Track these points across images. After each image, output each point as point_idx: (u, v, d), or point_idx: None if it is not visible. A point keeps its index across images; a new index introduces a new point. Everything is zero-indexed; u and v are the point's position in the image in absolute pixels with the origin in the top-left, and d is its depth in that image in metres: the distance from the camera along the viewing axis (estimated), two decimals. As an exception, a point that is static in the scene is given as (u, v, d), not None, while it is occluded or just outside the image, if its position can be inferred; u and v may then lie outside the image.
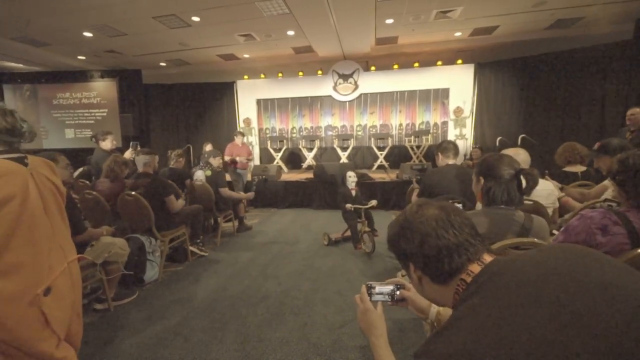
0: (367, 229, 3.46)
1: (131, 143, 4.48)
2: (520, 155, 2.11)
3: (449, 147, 2.47)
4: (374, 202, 3.57)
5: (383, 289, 0.95)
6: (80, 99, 8.02)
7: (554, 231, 1.82)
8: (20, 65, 7.54)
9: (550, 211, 2.01)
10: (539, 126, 6.64)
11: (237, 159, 5.75)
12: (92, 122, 8.06)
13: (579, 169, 2.72)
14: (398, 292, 0.95)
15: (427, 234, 0.69)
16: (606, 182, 2.22)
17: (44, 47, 6.28)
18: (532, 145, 5.38)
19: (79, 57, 7.12)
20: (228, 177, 5.36)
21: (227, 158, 5.72)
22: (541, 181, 2.07)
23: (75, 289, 1.15)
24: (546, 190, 2.06)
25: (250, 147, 8.38)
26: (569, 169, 2.74)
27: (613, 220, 1.14)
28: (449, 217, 0.70)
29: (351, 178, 3.76)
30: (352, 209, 3.47)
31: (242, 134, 6.09)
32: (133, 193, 2.80)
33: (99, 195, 2.88)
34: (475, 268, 0.64)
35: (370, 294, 0.93)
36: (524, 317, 0.47)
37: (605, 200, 1.83)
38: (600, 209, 1.20)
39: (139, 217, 2.86)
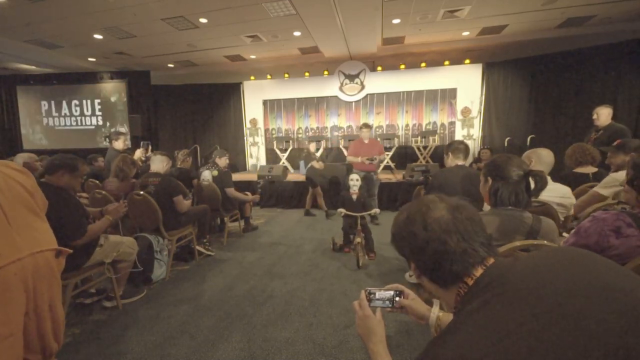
0: (358, 240, 3.07)
1: (142, 143, 4.55)
2: (545, 157, 2.06)
3: (460, 147, 2.43)
4: (375, 211, 3.30)
5: (382, 294, 0.94)
6: (91, 99, 8.17)
7: (564, 234, 1.78)
8: (33, 67, 7.71)
9: (562, 217, 1.92)
10: (549, 127, 6.51)
11: (365, 160, 4.56)
12: (102, 122, 8.21)
13: (590, 170, 2.67)
14: (397, 299, 0.94)
15: (430, 239, 0.67)
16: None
17: (56, 49, 6.41)
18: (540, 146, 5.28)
19: (90, 59, 7.24)
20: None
21: (351, 158, 4.73)
22: (557, 185, 2.01)
23: (41, 281, 1.16)
24: (558, 197, 1.92)
25: (257, 148, 8.45)
26: (580, 170, 2.69)
27: (627, 222, 1.11)
28: (455, 221, 0.67)
29: (353, 182, 3.40)
30: (342, 214, 3.24)
31: (368, 126, 4.81)
32: (142, 193, 2.84)
33: (108, 195, 2.93)
34: (478, 271, 0.64)
35: (369, 300, 0.92)
36: (524, 321, 0.47)
37: (619, 202, 1.79)
38: (612, 211, 1.18)
39: (147, 216, 2.89)
